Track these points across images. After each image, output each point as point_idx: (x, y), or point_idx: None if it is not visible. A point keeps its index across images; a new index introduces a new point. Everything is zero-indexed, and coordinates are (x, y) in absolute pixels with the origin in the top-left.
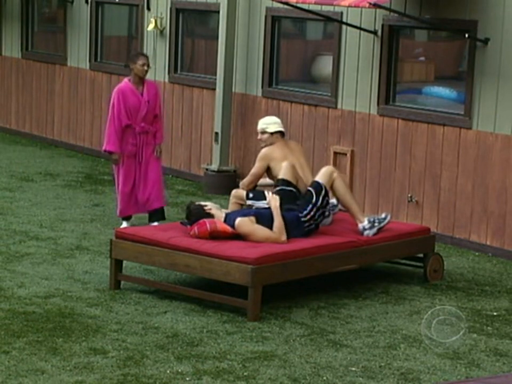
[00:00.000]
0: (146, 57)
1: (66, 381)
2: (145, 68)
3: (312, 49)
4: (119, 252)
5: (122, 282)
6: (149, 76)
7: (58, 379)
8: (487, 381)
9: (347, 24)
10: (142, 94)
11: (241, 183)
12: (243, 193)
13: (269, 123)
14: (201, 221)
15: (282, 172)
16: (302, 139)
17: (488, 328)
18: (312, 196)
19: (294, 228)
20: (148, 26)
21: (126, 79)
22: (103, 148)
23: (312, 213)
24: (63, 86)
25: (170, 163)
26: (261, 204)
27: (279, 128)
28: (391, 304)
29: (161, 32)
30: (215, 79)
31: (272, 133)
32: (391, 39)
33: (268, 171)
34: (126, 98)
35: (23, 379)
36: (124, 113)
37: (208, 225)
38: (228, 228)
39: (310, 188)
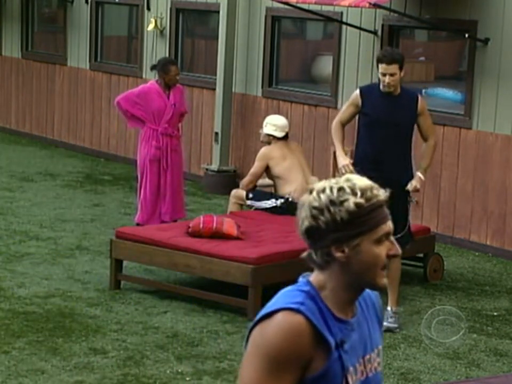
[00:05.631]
0: (177, 64)
1: (66, 381)
2: (177, 77)
3: (312, 49)
4: (119, 252)
5: (122, 282)
6: (148, 76)
7: (58, 379)
8: (487, 381)
9: (347, 24)
10: (168, 97)
11: (241, 183)
12: (243, 193)
13: (268, 122)
14: (208, 216)
15: None
16: (302, 139)
17: (488, 328)
18: None
19: None
20: (148, 26)
21: (153, 80)
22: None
23: None
24: (63, 86)
25: None
26: (261, 204)
27: (273, 132)
28: None
29: (161, 32)
30: (215, 79)
31: (266, 133)
32: (391, 39)
33: (267, 170)
34: (150, 100)
35: (23, 379)
36: (132, 101)
37: (214, 224)
38: (234, 231)
39: None
